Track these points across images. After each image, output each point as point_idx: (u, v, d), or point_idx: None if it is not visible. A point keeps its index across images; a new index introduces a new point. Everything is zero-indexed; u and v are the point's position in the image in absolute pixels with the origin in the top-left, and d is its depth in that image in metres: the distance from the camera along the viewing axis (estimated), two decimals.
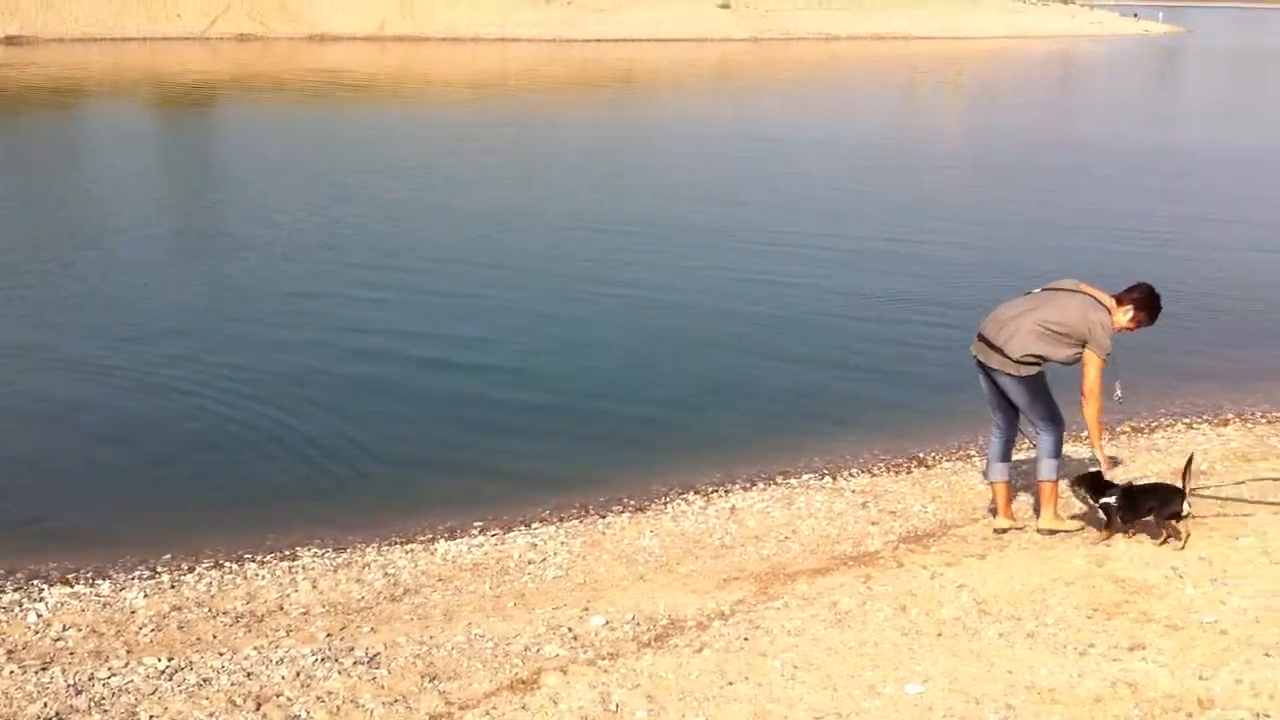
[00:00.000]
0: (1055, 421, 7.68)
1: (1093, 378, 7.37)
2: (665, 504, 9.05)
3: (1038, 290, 7.70)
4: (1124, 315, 7.49)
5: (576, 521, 8.76)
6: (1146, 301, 7.53)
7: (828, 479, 9.49)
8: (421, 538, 8.51)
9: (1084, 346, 7.38)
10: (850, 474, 9.61)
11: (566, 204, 20.87)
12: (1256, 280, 16.03)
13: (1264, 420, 10.77)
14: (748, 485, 9.39)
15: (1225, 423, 10.71)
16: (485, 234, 18.38)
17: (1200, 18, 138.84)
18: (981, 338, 7.62)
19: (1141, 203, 21.94)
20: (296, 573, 7.89)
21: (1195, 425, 10.63)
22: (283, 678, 6.24)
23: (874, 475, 9.59)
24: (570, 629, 6.73)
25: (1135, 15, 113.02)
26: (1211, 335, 13.50)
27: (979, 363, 7.68)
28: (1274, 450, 9.80)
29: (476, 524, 8.75)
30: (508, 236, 18.27)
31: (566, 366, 12.37)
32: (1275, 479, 8.91)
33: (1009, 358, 7.46)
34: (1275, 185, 24.56)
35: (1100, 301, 7.45)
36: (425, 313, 14.15)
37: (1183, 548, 7.10)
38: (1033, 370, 7.50)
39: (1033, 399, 7.58)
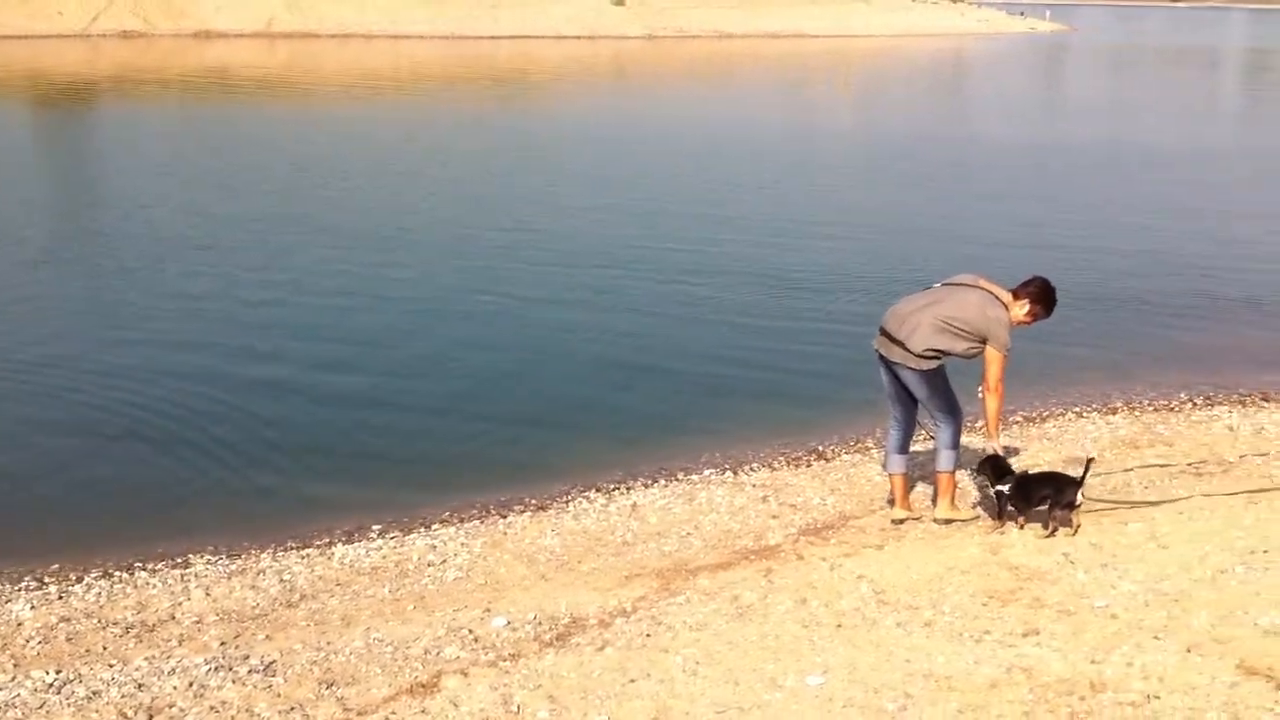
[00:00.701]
0: (954, 414, 7.80)
1: (995, 374, 7.50)
2: (567, 502, 9.01)
3: (938, 285, 7.81)
4: (1020, 309, 7.63)
5: (477, 522, 8.69)
6: (1042, 295, 7.67)
7: (729, 474, 9.53)
8: (318, 542, 8.37)
9: (983, 342, 7.49)
10: (751, 468, 9.65)
11: (456, 206, 20.70)
12: (1141, 272, 16.42)
13: (1151, 408, 11.03)
14: (649, 482, 9.39)
15: (1114, 411, 10.95)
16: (372, 235, 18.12)
17: (1085, 15, 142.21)
18: (883, 332, 7.71)
19: (1026, 198, 22.38)
20: (189, 580, 7.72)
21: (1085, 414, 10.85)
22: (175, 688, 6.09)
23: (774, 469, 9.64)
24: (471, 631, 6.66)
25: (1022, 13, 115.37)
26: (1099, 326, 13.80)
27: (881, 356, 7.77)
28: (1160, 437, 10.05)
29: (375, 527, 8.63)
30: (396, 238, 18.03)
31: (464, 367, 12.27)
32: (1162, 465, 9.16)
33: (910, 352, 7.55)
34: (1154, 180, 25.18)
35: (997, 297, 7.58)
36: (314, 314, 13.93)
37: (1074, 534, 7.24)
38: (933, 364, 7.60)
39: (932, 391, 7.68)
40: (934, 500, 8.08)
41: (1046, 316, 7.77)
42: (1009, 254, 16.63)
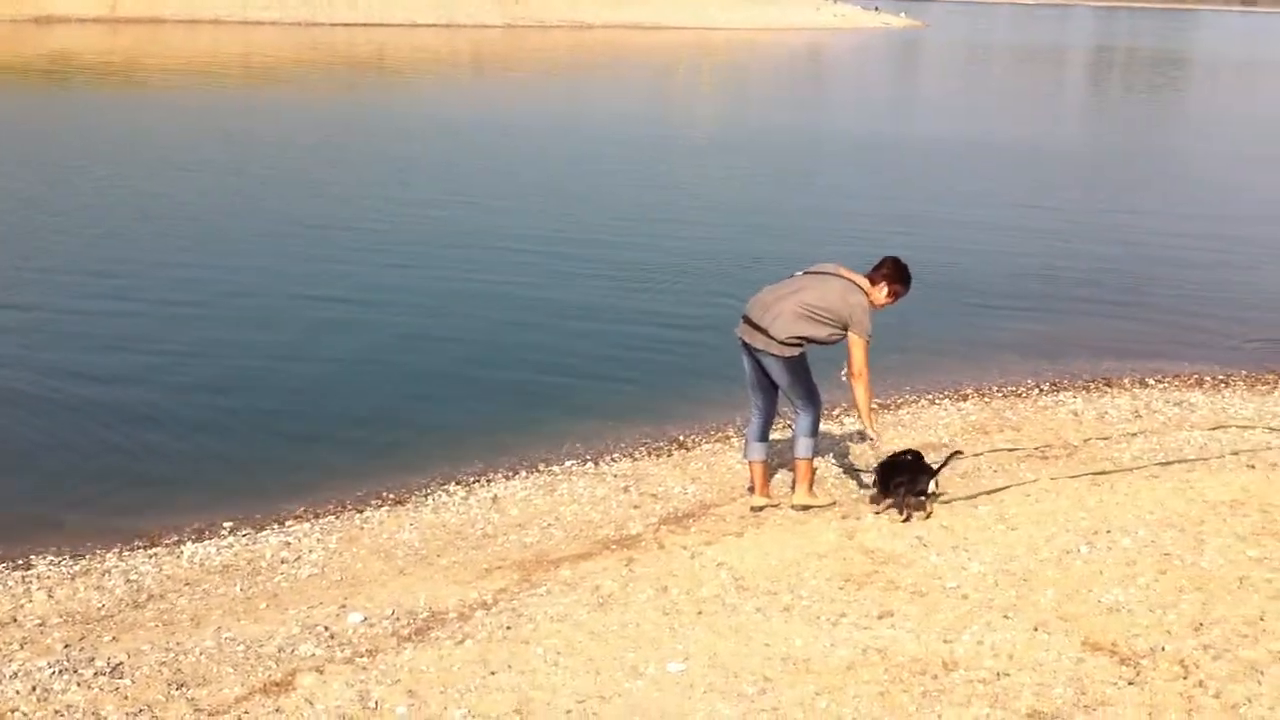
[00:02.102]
0: (814, 401, 7.90)
1: (859, 359, 7.61)
2: (426, 496, 8.90)
3: (799, 273, 7.89)
4: (880, 293, 7.77)
5: (332, 517, 8.52)
6: (896, 273, 7.82)
7: (590, 464, 9.51)
8: (166, 540, 8.13)
9: (844, 328, 7.61)
10: (613, 459, 9.65)
11: (302, 199, 20.29)
12: (989, 263, 16.87)
13: (1000, 395, 11.32)
14: (510, 474, 9.32)
15: (964, 397, 11.21)
16: (212, 227, 17.68)
17: (936, 11, 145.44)
18: (747, 320, 7.77)
19: (875, 190, 22.82)
20: (30, 582, 7.43)
21: (937, 401, 11.09)
22: (17, 692, 5.84)
23: (636, 459, 9.65)
24: (327, 627, 6.53)
25: (876, 9, 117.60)
26: (951, 315, 14.14)
27: (744, 344, 7.83)
28: (1009, 422, 10.32)
29: (226, 524, 8.41)
30: (239, 229, 17.64)
31: (318, 362, 12.02)
32: (1010, 449, 9.41)
33: (774, 339, 7.63)
34: (998, 175, 25.86)
35: (857, 284, 7.70)
36: (158, 307, 13.50)
37: (926, 518, 7.40)
38: (795, 351, 7.68)
39: (794, 379, 7.77)
40: (793, 487, 8.18)
41: (906, 292, 7.92)
42: (857, 246, 16.90)
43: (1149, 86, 55.90)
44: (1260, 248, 18.19)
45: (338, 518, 8.53)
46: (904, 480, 7.54)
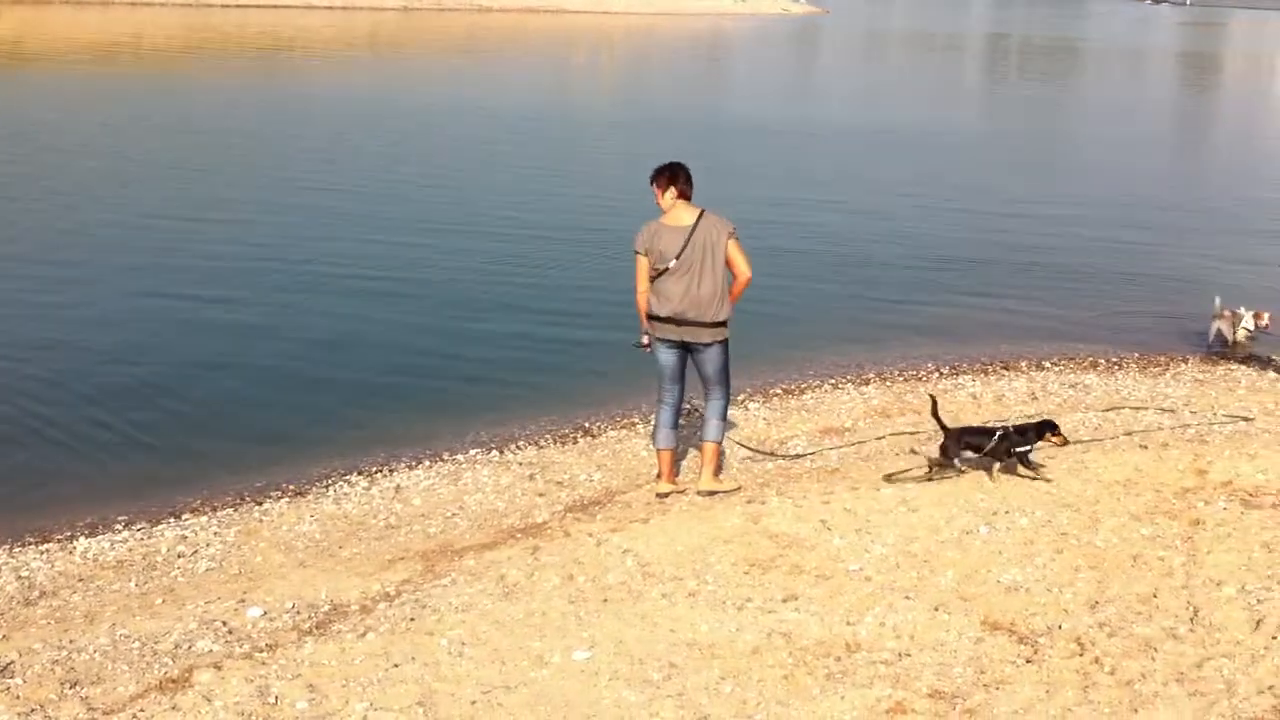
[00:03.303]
0: (728, 387, 7.98)
1: (747, 262, 7.77)
2: (327, 487, 8.77)
3: (674, 259, 7.63)
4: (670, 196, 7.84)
5: (231, 510, 8.36)
6: (677, 174, 7.85)
7: (495, 453, 9.45)
8: (59, 536, 7.92)
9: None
10: (518, 447, 9.59)
11: (173, 189, 19.73)
12: (887, 242, 17.06)
13: (901, 378, 11.46)
14: (413, 464, 9.22)
15: (866, 381, 11.32)
16: (106, 219, 17.24)
17: None
18: (685, 322, 7.70)
19: (773, 175, 22.92)
20: None
21: (840, 385, 11.18)
22: None
23: (541, 447, 9.60)
24: (225, 623, 6.40)
25: None
26: (852, 299, 14.30)
27: (674, 342, 7.80)
28: (910, 405, 10.44)
29: (120, 518, 8.21)
30: (123, 220, 17.21)
31: (213, 354, 11.73)
32: (911, 432, 9.52)
33: (718, 323, 7.70)
34: (895, 159, 26.12)
35: (698, 211, 7.75)
36: (30, 302, 13.11)
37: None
38: (728, 331, 7.80)
39: (724, 362, 7.89)
40: (699, 472, 8.19)
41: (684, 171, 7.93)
42: (758, 229, 17.03)
43: (1040, 72, 56.94)
44: (1152, 232, 18.62)
45: (236, 510, 8.37)
46: (1005, 443, 7.67)
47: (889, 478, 7.90)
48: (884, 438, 9.42)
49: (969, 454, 7.83)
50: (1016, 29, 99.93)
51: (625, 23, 78.86)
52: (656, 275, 7.73)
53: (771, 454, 9.16)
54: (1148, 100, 44.41)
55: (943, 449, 7.90)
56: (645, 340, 7.94)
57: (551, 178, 21.75)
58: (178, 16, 60.39)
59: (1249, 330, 12.30)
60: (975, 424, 8.76)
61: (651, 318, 7.83)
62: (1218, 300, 12.61)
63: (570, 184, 21.25)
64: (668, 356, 7.92)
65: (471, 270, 14.92)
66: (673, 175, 7.85)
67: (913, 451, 8.76)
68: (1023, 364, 11.92)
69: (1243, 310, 12.40)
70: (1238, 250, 17.15)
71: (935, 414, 8.08)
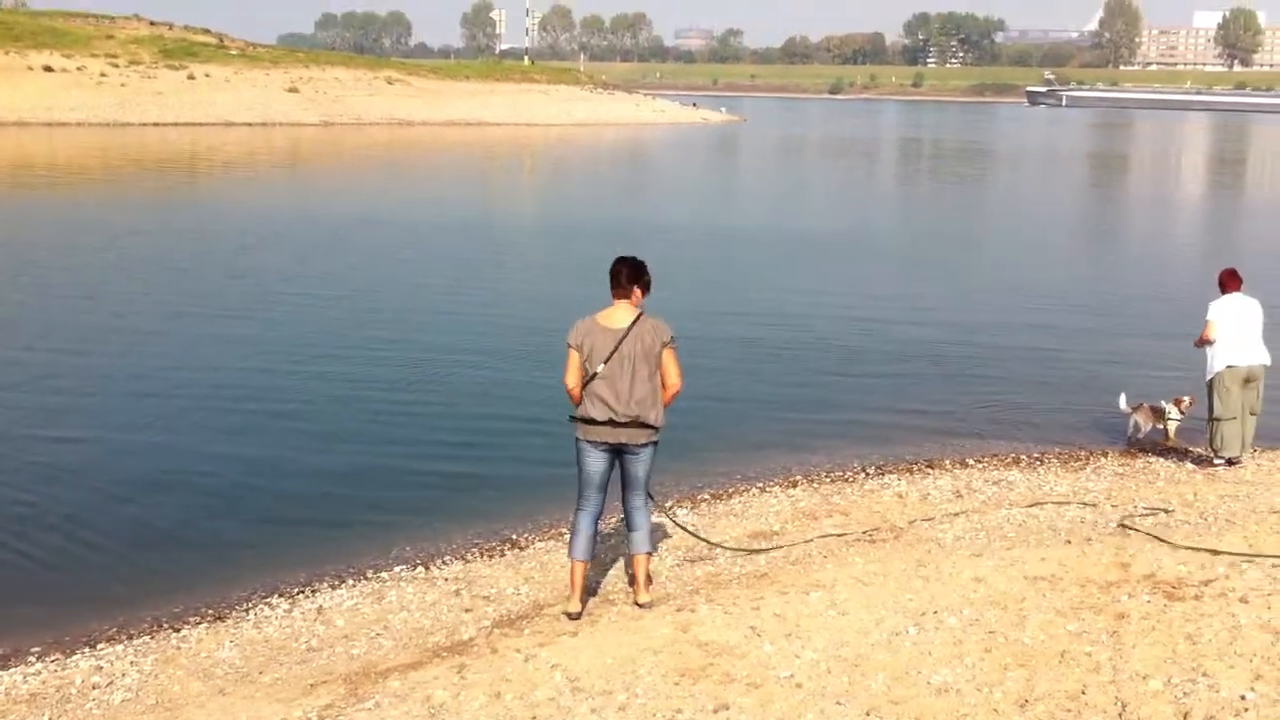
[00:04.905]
0: (650, 493, 7.88)
1: (678, 370, 7.75)
2: (246, 610, 8.56)
3: (606, 362, 7.61)
4: (640, 297, 7.82)
5: (147, 637, 8.13)
6: (635, 274, 7.79)
7: (420, 569, 9.30)
8: None
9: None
10: (444, 561, 9.45)
11: (77, 307, 19.65)
12: (809, 345, 17.22)
13: (828, 480, 11.49)
14: (336, 583, 9.04)
15: (794, 484, 11.34)
16: None
17: (754, 105, 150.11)
18: (613, 423, 7.61)
19: (689, 278, 23.15)
20: None
21: (767, 489, 11.18)
22: None
23: (468, 561, 9.47)
24: None
25: (694, 104, 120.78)
26: (776, 401, 14.35)
27: (607, 446, 7.70)
28: (837, 507, 10.47)
29: (34, 649, 7.96)
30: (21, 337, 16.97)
31: (122, 474, 11.49)
32: (839, 534, 9.53)
33: (650, 426, 7.64)
34: (808, 261, 26.51)
35: (636, 313, 7.71)
36: None
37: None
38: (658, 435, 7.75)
39: (652, 467, 7.81)
40: (631, 583, 8.09)
41: (650, 276, 7.90)
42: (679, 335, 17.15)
43: (954, 175, 58.34)
44: (1067, 330, 18.97)
45: (153, 637, 8.14)
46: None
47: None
48: (811, 540, 9.41)
49: None
50: (924, 133, 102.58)
51: (544, 134, 79.87)
52: (588, 377, 7.68)
53: (720, 544, 9.22)
54: (1049, 200, 45.58)
55: None
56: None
57: (466, 286, 21.77)
58: (96, 136, 60.23)
59: (1178, 420, 12.54)
60: None
61: (584, 421, 7.71)
62: (1123, 398, 12.85)
63: (486, 293, 21.29)
64: (596, 462, 7.78)
65: (388, 382, 14.81)
66: (615, 272, 7.79)
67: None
68: (947, 462, 12.03)
69: (1162, 403, 12.64)
70: (1141, 346, 17.52)
71: None
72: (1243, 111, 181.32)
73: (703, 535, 9.42)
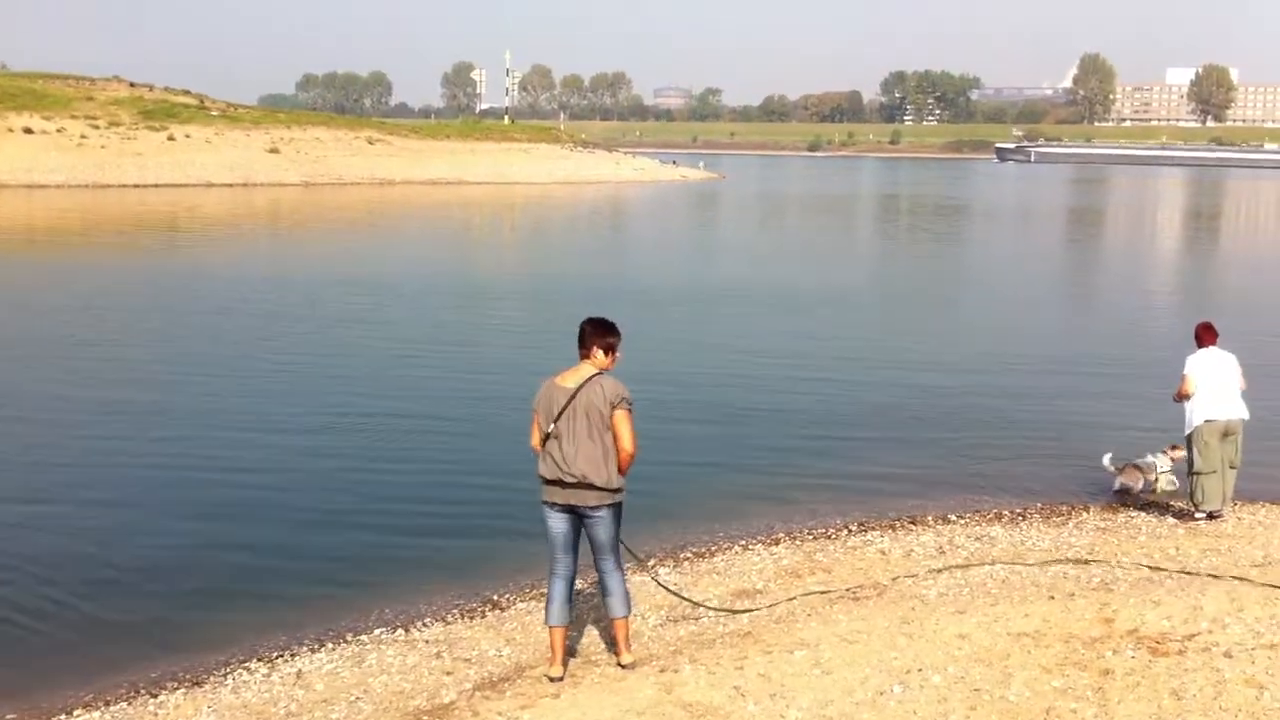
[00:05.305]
0: (620, 555, 7.82)
1: (631, 433, 7.57)
2: (225, 675, 8.45)
3: (560, 419, 7.58)
4: (606, 358, 7.73)
5: (124, 704, 8.02)
6: (597, 332, 7.73)
7: (400, 631, 9.21)
8: None
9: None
10: (424, 624, 9.37)
11: (46, 368, 19.57)
12: (789, 401, 17.22)
13: (810, 537, 11.46)
14: (315, 646, 8.95)
15: (776, 541, 11.30)
16: None
17: (733, 162, 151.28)
18: (565, 484, 7.58)
19: (661, 338, 23.19)
20: None
21: (750, 546, 11.14)
22: None
23: (448, 623, 9.39)
24: None
25: (674, 162, 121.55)
26: (756, 458, 14.32)
27: (562, 507, 7.66)
28: (820, 564, 10.43)
29: (9, 717, 7.83)
30: None
31: (94, 535, 11.38)
32: (823, 591, 9.49)
33: (607, 489, 7.55)
34: (791, 314, 26.57)
35: (597, 374, 7.63)
36: None
37: None
38: (622, 495, 7.64)
39: (617, 530, 7.71)
40: (613, 646, 8.03)
41: (618, 337, 7.84)
42: (659, 393, 17.16)
43: (930, 231, 58.74)
44: (1046, 386, 19.03)
45: (130, 704, 8.04)
46: None
47: None
48: (795, 599, 9.37)
49: None
50: (900, 189, 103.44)
51: (526, 192, 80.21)
52: (545, 436, 7.67)
53: (702, 604, 9.19)
54: (1023, 255, 45.94)
55: None
56: None
57: (446, 348, 21.73)
58: (75, 198, 60.26)
59: (1170, 472, 12.57)
60: None
61: (542, 481, 7.69)
62: (1108, 458, 12.88)
63: (466, 354, 21.26)
64: (558, 523, 7.73)
65: (367, 444, 14.74)
66: (579, 332, 7.78)
67: None
68: (929, 518, 12.02)
69: (1150, 458, 12.67)
70: (1119, 401, 17.58)
71: None
72: (1208, 165, 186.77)
73: (685, 595, 9.38)
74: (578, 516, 7.70)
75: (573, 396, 7.57)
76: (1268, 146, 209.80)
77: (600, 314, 7.97)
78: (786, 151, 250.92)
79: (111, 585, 10.22)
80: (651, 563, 10.32)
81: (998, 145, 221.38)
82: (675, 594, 9.34)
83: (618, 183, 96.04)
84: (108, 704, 8.04)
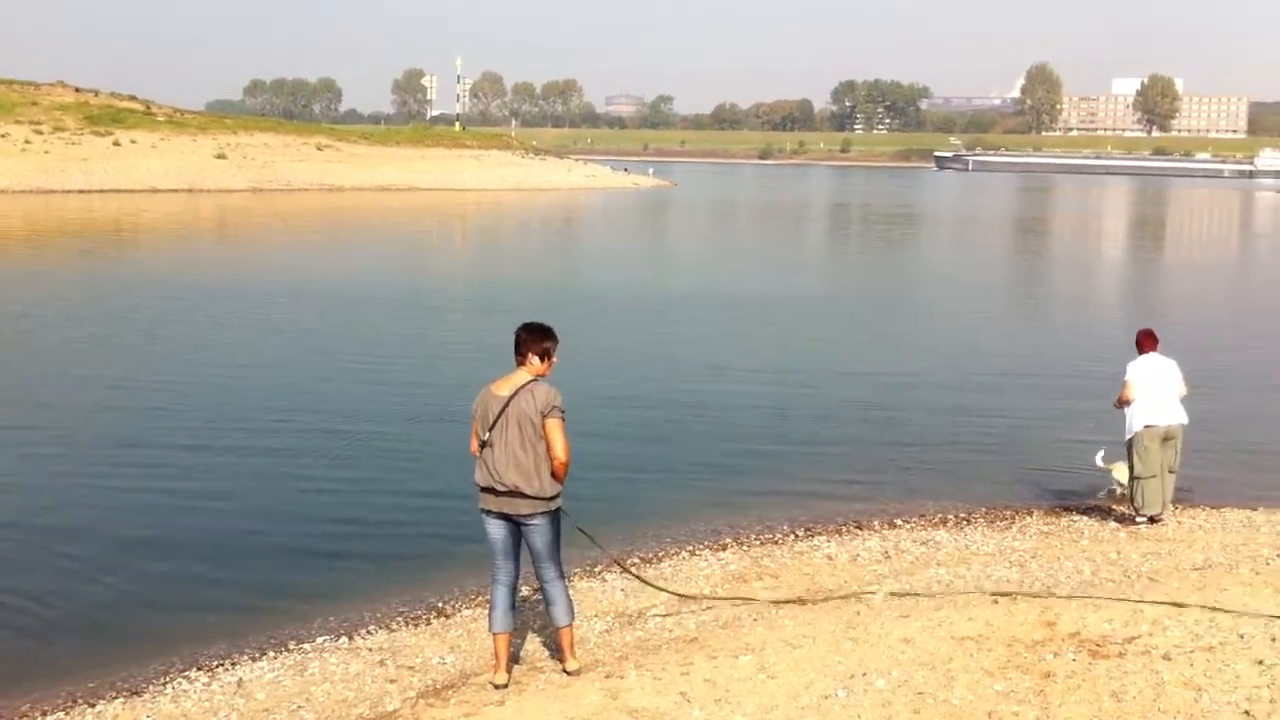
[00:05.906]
0: (561, 562, 7.78)
1: (565, 442, 7.49)
2: (164, 684, 8.33)
3: (494, 427, 7.54)
4: (542, 365, 7.69)
5: (61, 713, 7.90)
6: (532, 338, 7.69)
7: (343, 639, 9.13)
8: None
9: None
10: (368, 631, 9.29)
11: None
12: (735, 406, 17.25)
13: (758, 541, 11.47)
14: (256, 654, 8.84)
15: (724, 547, 11.30)
16: None
17: (684, 170, 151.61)
18: (501, 492, 7.52)
19: (608, 343, 23.20)
20: None
21: (697, 552, 11.13)
22: None
23: (392, 630, 9.31)
24: None
25: (625, 169, 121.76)
26: (702, 463, 14.33)
27: (499, 514, 7.61)
28: (767, 570, 10.45)
29: None
30: None
31: (34, 543, 11.21)
32: (773, 600, 9.49)
33: (541, 497, 7.49)
34: (738, 319, 26.65)
35: (529, 381, 7.57)
36: None
37: None
38: (559, 503, 7.60)
39: (554, 537, 7.65)
40: (558, 654, 7.99)
41: (555, 341, 7.79)
42: (604, 398, 17.14)
43: (882, 238, 59.12)
44: (992, 390, 19.19)
45: (67, 713, 7.92)
46: None
47: None
48: (741, 605, 9.36)
49: None
50: (851, 197, 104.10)
51: (478, 199, 79.97)
52: (482, 443, 7.62)
53: (663, 589, 9.28)
54: (968, 262, 46.35)
55: None
56: None
57: (389, 355, 21.61)
58: (18, 203, 59.45)
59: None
60: None
61: (479, 488, 7.65)
62: (1099, 456, 12.92)
63: (410, 362, 21.13)
64: (495, 530, 7.68)
65: (308, 451, 14.58)
66: (516, 338, 7.74)
67: None
68: (875, 523, 12.07)
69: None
70: (1061, 405, 17.73)
71: None
72: (1144, 175, 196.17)
73: (651, 580, 9.37)
74: (515, 524, 7.66)
75: (506, 405, 7.52)
76: (1198, 156, 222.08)
77: (547, 321, 7.93)
78: (738, 159, 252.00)
79: (47, 593, 10.05)
80: (599, 569, 10.29)
81: (936, 154, 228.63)
82: (638, 576, 9.33)
83: (569, 189, 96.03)
84: (44, 713, 7.92)
